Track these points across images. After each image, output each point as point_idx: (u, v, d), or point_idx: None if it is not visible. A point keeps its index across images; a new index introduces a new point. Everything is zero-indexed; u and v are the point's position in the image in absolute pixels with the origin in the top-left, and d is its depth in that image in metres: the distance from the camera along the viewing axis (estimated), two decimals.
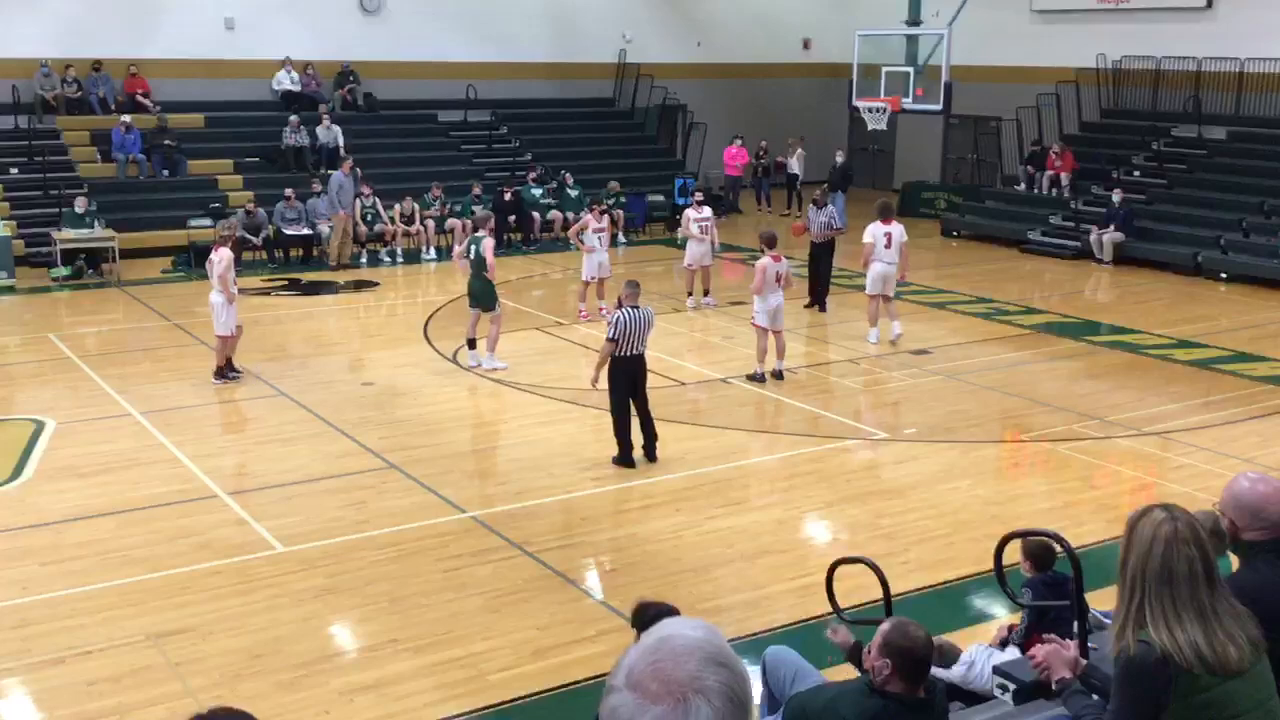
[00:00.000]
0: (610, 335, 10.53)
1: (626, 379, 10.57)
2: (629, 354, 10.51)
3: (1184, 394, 13.22)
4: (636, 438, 10.68)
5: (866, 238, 15.04)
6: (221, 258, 13.00)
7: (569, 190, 23.06)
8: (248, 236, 19.50)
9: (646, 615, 5.18)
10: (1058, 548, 5.52)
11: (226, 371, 13.24)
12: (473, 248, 13.73)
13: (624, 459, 10.62)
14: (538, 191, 22.95)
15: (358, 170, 20.68)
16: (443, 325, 16.07)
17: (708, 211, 17.62)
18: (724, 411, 12.51)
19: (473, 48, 25.54)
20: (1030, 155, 24.55)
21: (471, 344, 13.90)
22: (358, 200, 20.93)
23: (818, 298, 17.05)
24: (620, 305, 10.67)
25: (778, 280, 13.28)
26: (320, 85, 24.33)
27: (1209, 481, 9.96)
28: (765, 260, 13.26)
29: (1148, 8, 23.86)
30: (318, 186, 20.88)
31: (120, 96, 22.60)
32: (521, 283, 18.90)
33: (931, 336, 15.22)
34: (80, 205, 19.28)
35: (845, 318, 16.72)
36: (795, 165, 27.01)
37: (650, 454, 10.73)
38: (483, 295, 13.69)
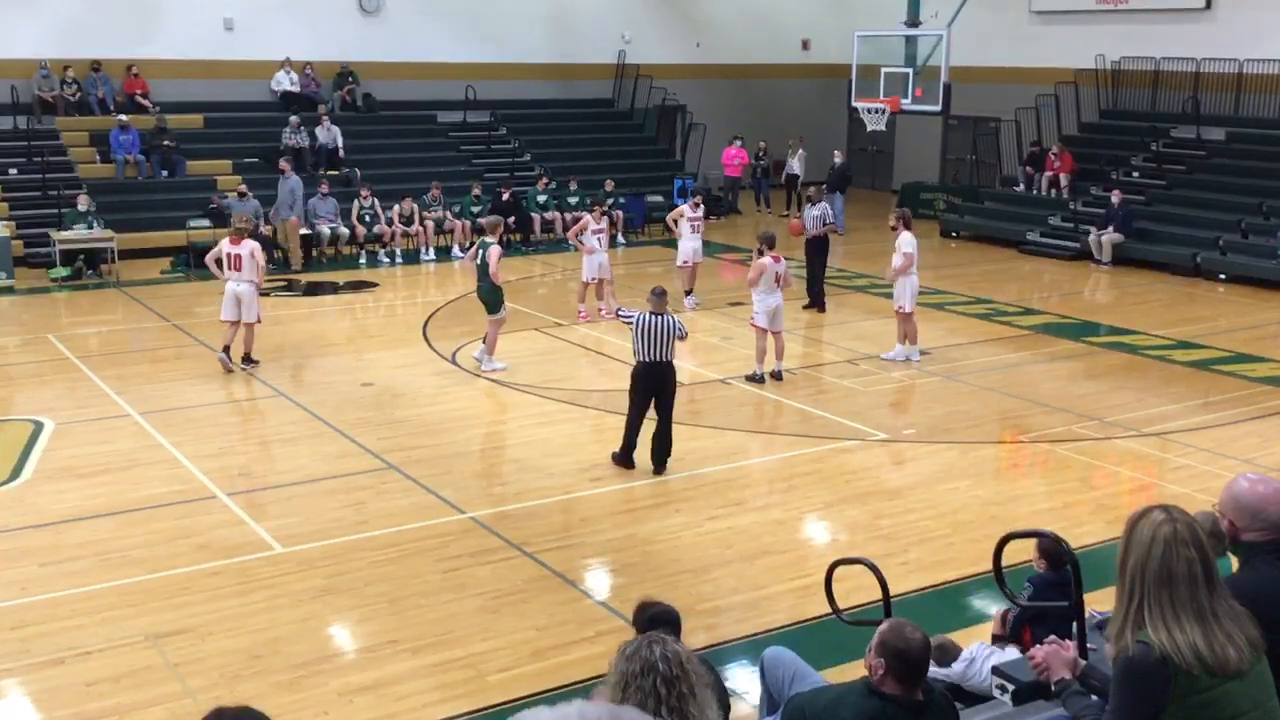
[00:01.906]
0: (630, 316, 10.82)
1: (651, 385, 10.52)
2: (652, 360, 10.47)
3: (1183, 395, 13.23)
4: (642, 444, 10.62)
5: (908, 248, 14.04)
6: (255, 248, 13.67)
7: (569, 197, 23.05)
8: (260, 225, 19.40)
9: (645, 614, 5.18)
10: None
11: (252, 358, 13.80)
12: (481, 253, 13.77)
13: (624, 459, 10.60)
14: (543, 199, 22.93)
15: (308, 174, 20.46)
16: (442, 326, 16.08)
17: (702, 212, 17.99)
18: (723, 412, 12.51)
19: (472, 48, 25.54)
20: (1029, 156, 24.56)
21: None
22: (355, 201, 20.97)
23: (815, 298, 17.04)
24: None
25: (776, 281, 13.29)
26: (319, 86, 24.31)
27: (1208, 482, 9.96)
28: (765, 260, 13.27)
29: (1147, 8, 23.87)
30: (325, 188, 20.97)
31: (119, 97, 22.59)
32: (521, 283, 18.89)
33: (930, 337, 15.20)
34: (83, 203, 19.31)
35: (844, 318, 16.72)
36: (796, 166, 26.99)
37: (660, 467, 10.59)
38: (489, 300, 13.74)
